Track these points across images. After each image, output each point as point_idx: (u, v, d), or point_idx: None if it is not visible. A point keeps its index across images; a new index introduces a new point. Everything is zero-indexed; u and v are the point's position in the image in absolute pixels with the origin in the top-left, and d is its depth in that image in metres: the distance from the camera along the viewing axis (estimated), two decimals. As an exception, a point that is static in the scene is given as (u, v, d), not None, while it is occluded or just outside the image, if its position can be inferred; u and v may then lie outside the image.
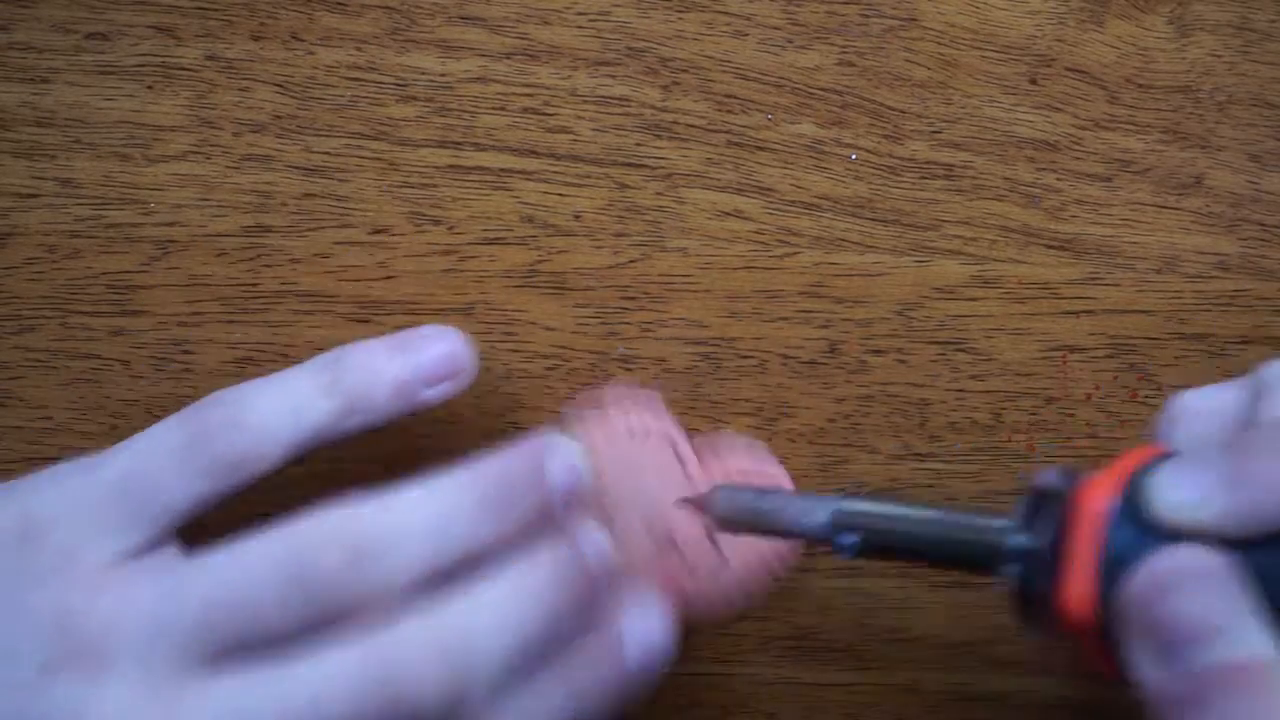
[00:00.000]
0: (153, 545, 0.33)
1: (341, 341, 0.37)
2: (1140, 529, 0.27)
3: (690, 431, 0.37)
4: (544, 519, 0.34)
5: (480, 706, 0.31)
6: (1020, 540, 0.29)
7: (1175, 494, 0.27)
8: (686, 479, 0.36)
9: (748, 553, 0.36)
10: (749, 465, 0.37)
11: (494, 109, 0.37)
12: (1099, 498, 0.28)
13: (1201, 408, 0.31)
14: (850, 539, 0.31)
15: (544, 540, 0.34)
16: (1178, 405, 0.32)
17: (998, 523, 0.30)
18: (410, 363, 0.34)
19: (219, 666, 0.32)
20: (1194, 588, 0.26)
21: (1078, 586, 0.28)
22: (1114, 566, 0.27)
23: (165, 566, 0.33)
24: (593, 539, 0.34)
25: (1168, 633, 0.26)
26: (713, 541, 0.36)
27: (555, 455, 0.34)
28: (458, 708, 0.31)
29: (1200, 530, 0.27)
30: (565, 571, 0.33)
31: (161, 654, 0.31)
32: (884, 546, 0.31)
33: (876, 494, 0.33)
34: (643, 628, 0.34)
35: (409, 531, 0.32)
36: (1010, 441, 0.38)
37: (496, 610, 0.32)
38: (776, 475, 0.37)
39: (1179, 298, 0.38)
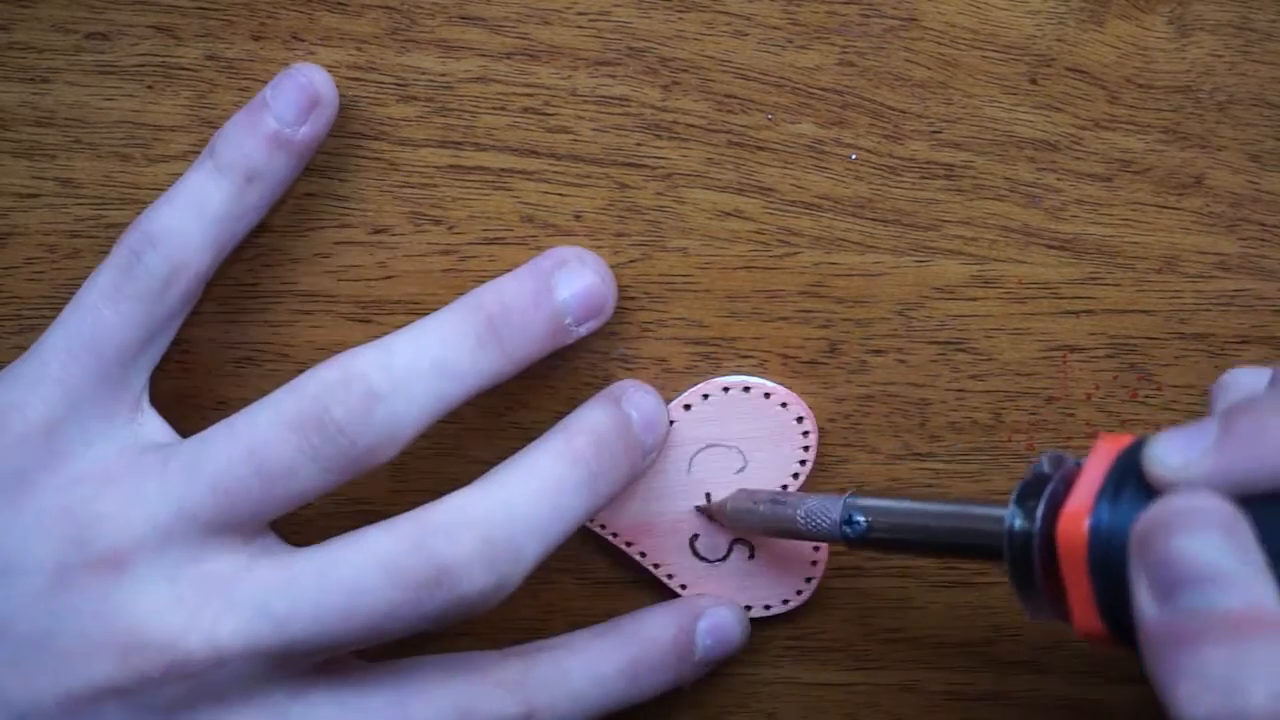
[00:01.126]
0: (134, 402, 0.33)
1: (341, 342, 0.37)
2: (1135, 493, 0.27)
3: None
4: (558, 342, 0.34)
5: (519, 581, 0.32)
6: (1016, 520, 0.29)
7: (1168, 454, 0.27)
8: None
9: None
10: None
11: (494, 109, 0.37)
12: (1091, 470, 0.28)
13: (1244, 383, 0.31)
14: (859, 520, 0.33)
15: (591, 404, 0.35)
16: (1224, 378, 0.32)
17: (996, 510, 0.30)
18: (274, 113, 0.34)
19: (251, 541, 0.32)
20: (1199, 528, 0.26)
21: (1071, 534, 0.28)
22: (1107, 529, 0.27)
23: (167, 449, 0.32)
24: (641, 402, 0.35)
25: (1167, 570, 0.25)
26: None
27: (563, 271, 0.34)
28: (500, 587, 0.31)
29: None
30: (608, 439, 0.34)
31: (181, 540, 0.31)
32: (890, 533, 0.33)
33: (884, 495, 0.34)
34: (646, 406, 0.35)
35: (414, 369, 0.32)
36: (1010, 441, 0.38)
37: (537, 485, 0.32)
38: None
39: (1179, 298, 0.38)
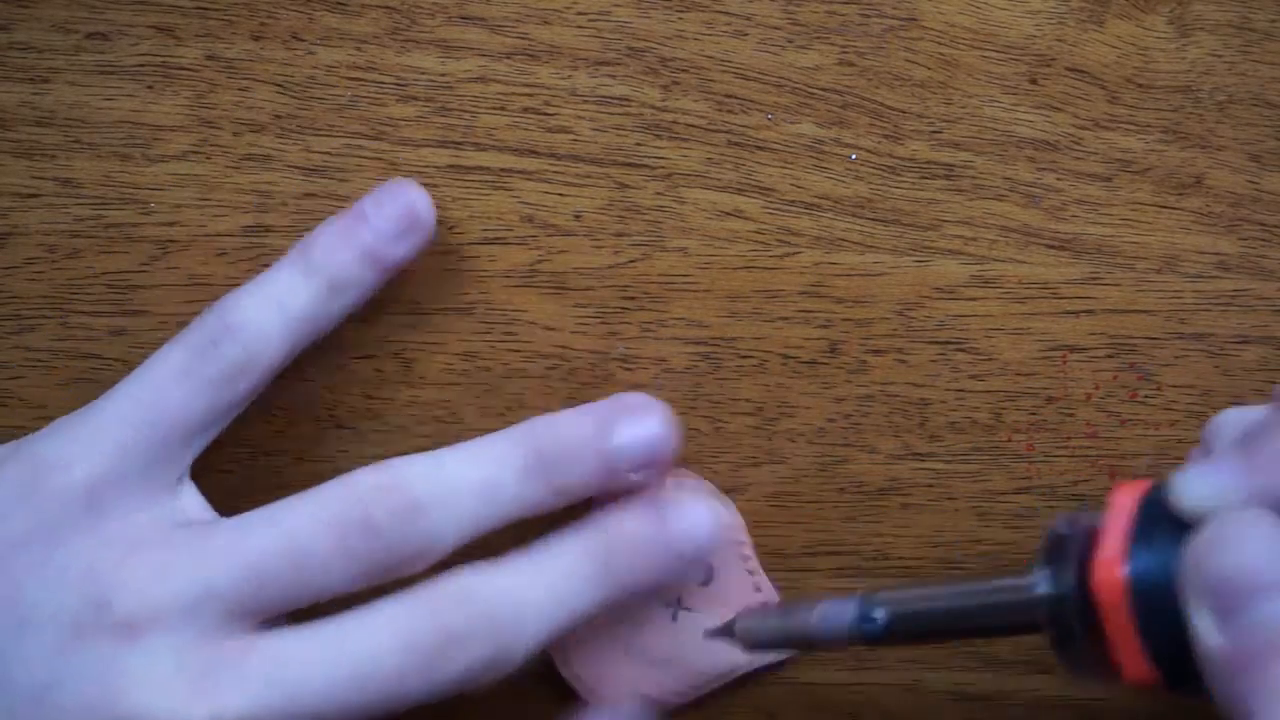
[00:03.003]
0: (178, 478, 0.33)
1: (341, 341, 0.37)
2: (1166, 534, 0.27)
3: (691, 431, 0.37)
4: (610, 485, 0.34)
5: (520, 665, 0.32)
6: (1045, 584, 0.29)
7: (1200, 486, 0.27)
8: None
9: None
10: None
11: (494, 109, 0.37)
12: (1115, 520, 0.28)
13: (1236, 420, 0.31)
14: (876, 617, 0.31)
15: (632, 509, 0.34)
16: (1216, 421, 0.32)
17: (1021, 580, 0.30)
18: (371, 228, 0.34)
19: (262, 629, 0.31)
20: (1254, 540, 0.25)
21: (1109, 585, 0.27)
22: (1148, 572, 0.27)
23: (205, 526, 0.32)
24: (690, 514, 0.34)
25: (1228, 585, 0.25)
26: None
27: (626, 417, 0.34)
28: (499, 667, 0.31)
29: None
30: (643, 547, 0.33)
31: (201, 619, 0.31)
32: (913, 623, 0.31)
33: (895, 586, 0.33)
34: (692, 516, 0.34)
35: (459, 488, 0.32)
36: (1010, 441, 0.38)
37: (554, 582, 0.32)
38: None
39: (1179, 298, 0.38)
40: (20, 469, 0.32)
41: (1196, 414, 0.38)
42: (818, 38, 0.37)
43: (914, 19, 0.37)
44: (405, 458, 0.33)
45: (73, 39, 0.36)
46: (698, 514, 0.34)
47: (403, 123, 0.37)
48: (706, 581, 0.37)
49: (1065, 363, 0.38)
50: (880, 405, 0.38)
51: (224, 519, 0.33)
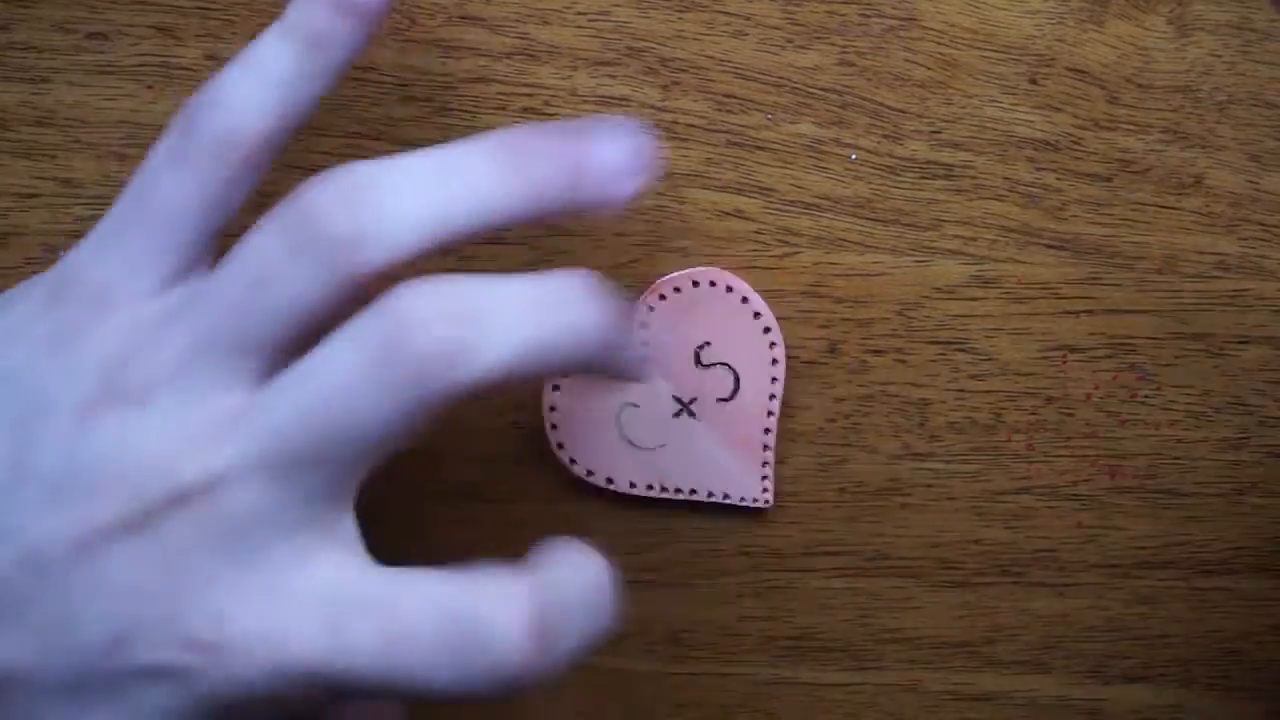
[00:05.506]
0: (189, 264, 0.32)
1: (341, 341, 0.37)
2: None
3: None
4: (587, 186, 0.31)
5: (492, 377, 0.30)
6: None
7: None
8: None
9: None
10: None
11: (494, 109, 0.37)
12: None
13: None
14: None
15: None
16: None
17: None
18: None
19: (265, 373, 0.31)
20: None
21: None
22: None
23: (191, 293, 0.32)
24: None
25: None
26: None
27: (603, 137, 0.31)
28: (458, 370, 0.29)
29: None
30: (607, 304, 0.31)
31: (198, 371, 0.31)
32: None
33: None
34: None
35: (410, 168, 0.30)
36: (1010, 441, 0.38)
37: (523, 302, 0.30)
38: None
39: (1179, 298, 0.38)
40: (49, 282, 0.32)
41: (1196, 414, 0.38)
42: (817, 38, 0.37)
43: (914, 19, 0.37)
44: (352, 165, 0.31)
45: (73, 39, 0.36)
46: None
47: (403, 123, 0.36)
48: (730, 397, 0.37)
49: (1065, 363, 0.38)
50: (880, 405, 0.38)
51: (207, 275, 0.32)
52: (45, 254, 0.37)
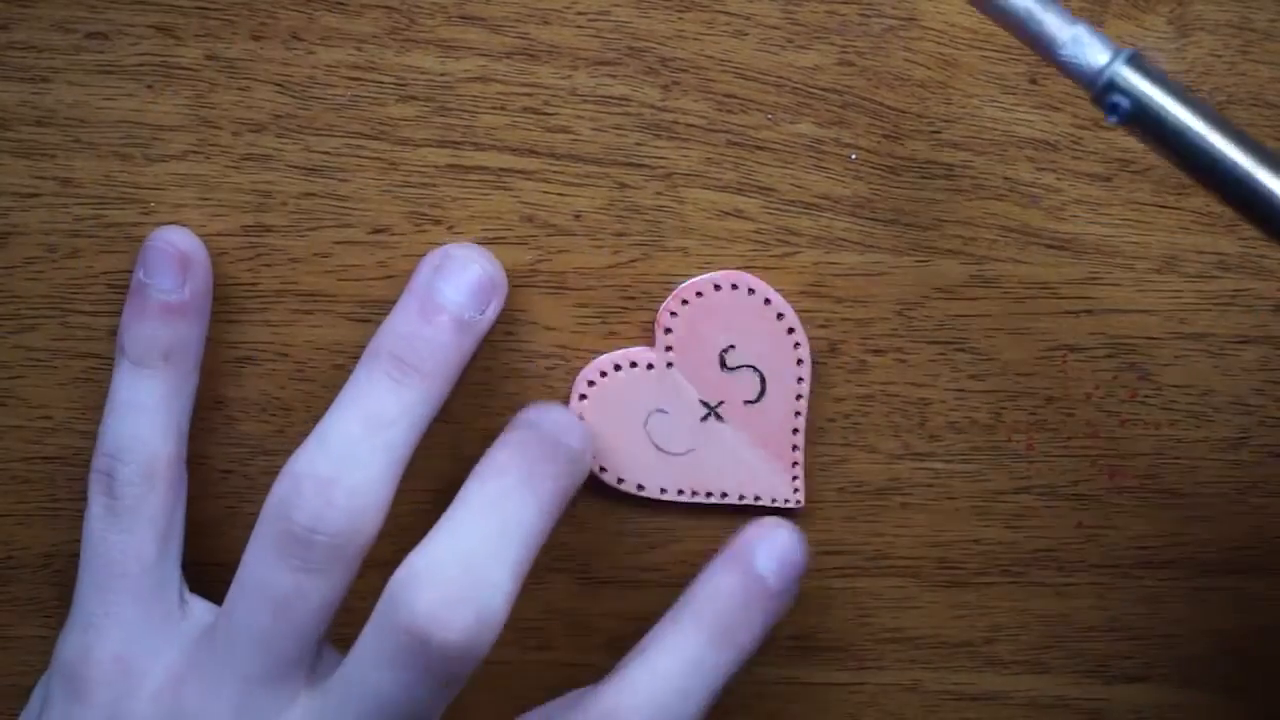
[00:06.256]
0: (177, 595, 0.36)
1: (341, 341, 0.37)
2: None
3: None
4: (467, 337, 0.35)
5: None
6: None
7: None
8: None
9: None
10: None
11: (494, 109, 0.37)
12: None
13: None
14: (1121, 102, 0.28)
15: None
16: None
17: None
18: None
19: (311, 669, 0.33)
20: None
21: None
22: None
23: (210, 631, 0.34)
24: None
25: None
26: None
27: (440, 276, 0.35)
28: (479, 641, 0.32)
29: None
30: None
31: (255, 705, 0.33)
32: (1158, 127, 0.28)
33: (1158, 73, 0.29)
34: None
35: (349, 437, 0.33)
36: (1010, 441, 0.38)
37: (503, 535, 0.33)
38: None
39: (1179, 298, 0.38)
40: (69, 653, 0.35)
41: (1196, 414, 0.38)
42: (818, 38, 0.37)
43: (914, 19, 0.37)
44: (294, 454, 0.34)
45: (73, 39, 0.36)
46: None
47: (403, 123, 0.37)
48: (756, 399, 0.37)
49: (1065, 363, 0.38)
50: (880, 405, 0.38)
51: (217, 614, 0.34)
52: (45, 254, 0.37)
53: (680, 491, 0.37)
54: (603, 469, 0.37)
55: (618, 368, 0.37)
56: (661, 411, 0.37)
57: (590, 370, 0.37)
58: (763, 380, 0.37)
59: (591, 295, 0.37)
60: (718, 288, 0.37)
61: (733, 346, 0.37)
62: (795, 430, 0.37)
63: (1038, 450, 0.38)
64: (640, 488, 0.37)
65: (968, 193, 0.37)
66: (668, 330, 0.37)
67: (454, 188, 0.37)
